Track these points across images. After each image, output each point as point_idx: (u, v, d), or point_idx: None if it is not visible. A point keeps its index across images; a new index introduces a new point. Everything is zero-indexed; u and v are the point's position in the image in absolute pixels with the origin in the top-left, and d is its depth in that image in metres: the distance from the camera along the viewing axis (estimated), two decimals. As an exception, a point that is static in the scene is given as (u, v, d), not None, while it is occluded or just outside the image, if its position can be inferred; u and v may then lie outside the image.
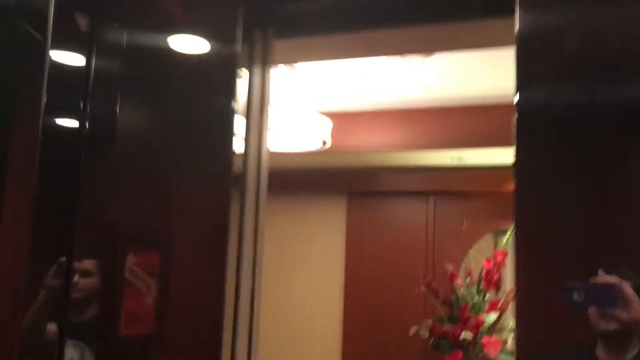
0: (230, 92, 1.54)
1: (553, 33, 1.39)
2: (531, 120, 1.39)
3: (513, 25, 1.39)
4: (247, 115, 1.66)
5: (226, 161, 1.56)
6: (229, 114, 1.54)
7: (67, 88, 1.71)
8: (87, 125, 1.70)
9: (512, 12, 1.39)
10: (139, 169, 1.72)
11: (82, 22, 1.70)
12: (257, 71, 1.63)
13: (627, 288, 1.18)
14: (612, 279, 1.19)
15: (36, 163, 1.61)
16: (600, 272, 1.22)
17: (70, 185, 1.70)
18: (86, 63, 1.67)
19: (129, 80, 1.72)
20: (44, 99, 1.63)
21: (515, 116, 1.40)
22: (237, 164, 1.65)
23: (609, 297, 1.19)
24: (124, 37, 1.71)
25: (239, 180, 1.67)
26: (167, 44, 1.68)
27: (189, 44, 1.61)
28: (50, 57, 1.60)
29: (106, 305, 1.67)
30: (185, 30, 1.60)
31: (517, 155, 1.39)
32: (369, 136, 3.70)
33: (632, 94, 1.34)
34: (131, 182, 1.71)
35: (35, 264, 1.65)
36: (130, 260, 1.65)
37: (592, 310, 1.23)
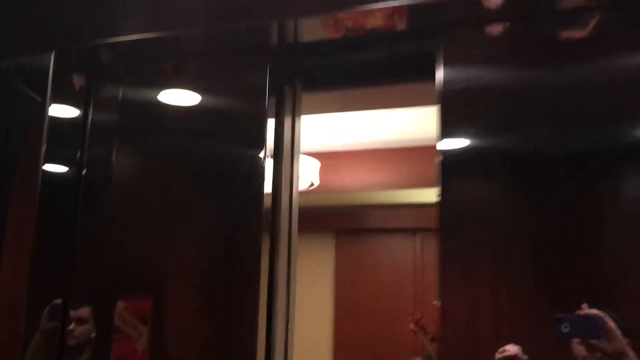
0: (259, 142, 1.60)
1: (473, 90, 1.49)
2: (453, 163, 1.49)
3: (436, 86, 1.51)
4: (277, 162, 1.71)
5: (257, 207, 1.59)
6: (258, 163, 1.59)
7: (65, 138, 1.77)
8: (84, 172, 1.76)
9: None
10: (134, 215, 1.75)
11: (79, 80, 1.79)
12: (287, 121, 1.70)
13: (610, 321, 1.23)
14: (595, 312, 1.25)
15: (36, 208, 1.66)
16: (584, 306, 1.27)
17: (67, 230, 1.74)
18: (83, 116, 1.75)
19: (125, 131, 1.79)
20: (44, 149, 1.69)
21: (439, 159, 1.49)
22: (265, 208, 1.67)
23: (593, 328, 1.25)
24: (119, 93, 1.79)
25: (271, 223, 1.69)
26: (160, 98, 1.75)
27: (217, 99, 1.69)
28: (49, 112, 1.67)
29: (96, 352, 1.68)
30: (214, 85, 1.69)
31: (441, 195, 1.47)
32: (355, 175, 3.77)
33: (550, 141, 1.44)
34: (126, 229, 1.75)
35: (33, 307, 1.69)
36: (120, 306, 1.68)
37: (576, 341, 1.28)
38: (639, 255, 1.30)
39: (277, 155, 1.69)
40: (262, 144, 1.59)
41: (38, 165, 1.70)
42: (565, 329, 1.26)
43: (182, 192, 1.73)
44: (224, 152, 1.69)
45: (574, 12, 1.43)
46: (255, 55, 1.64)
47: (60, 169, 1.77)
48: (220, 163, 1.68)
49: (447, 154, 1.49)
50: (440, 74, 1.50)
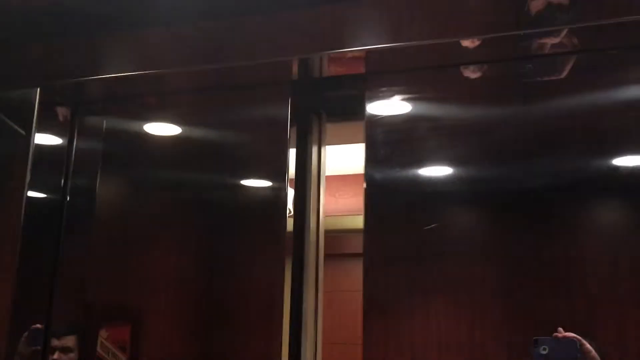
0: (281, 172, 1.64)
1: (395, 126, 1.56)
2: (378, 192, 1.54)
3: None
4: (304, 189, 1.73)
5: (280, 234, 1.60)
6: (280, 192, 1.62)
7: (49, 167, 1.79)
8: (67, 200, 1.78)
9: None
10: (117, 242, 1.76)
11: (63, 112, 1.83)
12: (314, 151, 1.73)
13: (586, 343, 1.27)
14: (572, 335, 1.29)
15: (20, 234, 1.67)
16: (561, 330, 1.31)
17: (50, 256, 1.75)
18: (67, 146, 1.79)
19: (109, 160, 1.81)
20: (28, 177, 1.71)
21: (364, 186, 1.54)
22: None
23: (571, 351, 1.28)
24: (103, 124, 1.83)
25: (295, 250, 1.70)
26: (144, 129, 1.80)
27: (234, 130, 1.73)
28: (33, 141, 1.70)
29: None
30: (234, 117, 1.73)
31: (366, 221, 1.52)
32: (335, 200, 3.80)
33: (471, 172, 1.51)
34: (109, 256, 1.76)
35: (15, 333, 1.68)
36: (103, 335, 1.68)
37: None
38: (611, 280, 1.35)
39: (302, 183, 1.70)
40: (283, 173, 1.61)
41: (22, 193, 1.71)
42: (543, 351, 1.30)
43: (174, 222, 1.75)
44: (239, 183, 1.72)
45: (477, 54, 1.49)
46: (276, 89, 1.68)
47: (44, 196, 1.78)
48: (237, 193, 1.71)
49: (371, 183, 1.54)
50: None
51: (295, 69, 1.63)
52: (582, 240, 1.39)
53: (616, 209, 1.41)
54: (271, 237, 1.60)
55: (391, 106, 1.58)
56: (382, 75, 1.60)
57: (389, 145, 1.56)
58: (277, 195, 1.61)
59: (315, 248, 1.68)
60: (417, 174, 1.54)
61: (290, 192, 1.66)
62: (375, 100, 1.58)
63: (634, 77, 1.42)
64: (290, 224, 1.64)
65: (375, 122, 1.57)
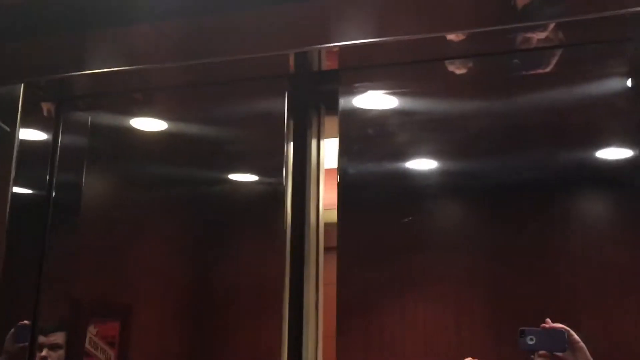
0: (278, 166, 1.63)
1: (370, 121, 1.58)
2: (351, 186, 1.56)
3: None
4: (301, 183, 1.72)
5: (278, 229, 1.59)
6: (278, 187, 1.61)
7: (34, 162, 1.77)
8: (53, 195, 1.77)
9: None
10: (104, 237, 1.75)
11: (48, 107, 1.82)
12: (313, 144, 1.72)
13: (574, 334, 1.29)
14: (560, 325, 1.30)
15: (5, 230, 1.65)
16: (548, 320, 1.33)
17: (36, 251, 1.74)
18: (52, 141, 1.78)
19: (95, 156, 1.80)
20: (13, 172, 1.69)
21: (337, 180, 1.56)
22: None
23: (559, 341, 1.30)
24: (89, 120, 1.81)
25: (291, 243, 1.68)
26: (131, 124, 1.79)
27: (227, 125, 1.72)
28: (18, 136, 1.68)
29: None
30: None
31: (339, 216, 1.54)
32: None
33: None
34: (97, 252, 1.74)
35: (1, 331, 1.67)
36: (92, 331, 1.67)
37: (542, 354, 1.33)
38: (595, 272, 1.36)
39: (302, 177, 1.70)
40: (281, 167, 1.61)
41: (7, 189, 1.69)
42: (530, 341, 1.31)
43: (163, 217, 1.74)
44: (237, 177, 1.71)
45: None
46: (273, 83, 1.67)
47: (29, 192, 1.76)
48: (233, 188, 1.69)
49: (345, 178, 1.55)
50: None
51: (291, 63, 1.63)
52: (565, 231, 1.40)
53: (601, 201, 1.43)
54: (270, 232, 1.59)
55: (366, 101, 1.58)
56: (357, 71, 1.61)
57: (363, 139, 1.57)
58: (275, 190, 1.61)
59: (315, 241, 1.68)
60: (393, 168, 1.55)
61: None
62: (349, 95, 1.58)
63: (617, 71, 1.43)
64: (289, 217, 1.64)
65: (349, 117, 1.58)
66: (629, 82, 1.42)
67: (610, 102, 1.43)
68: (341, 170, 1.56)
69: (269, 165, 1.63)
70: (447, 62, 1.53)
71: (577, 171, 1.42)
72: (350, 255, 1.51)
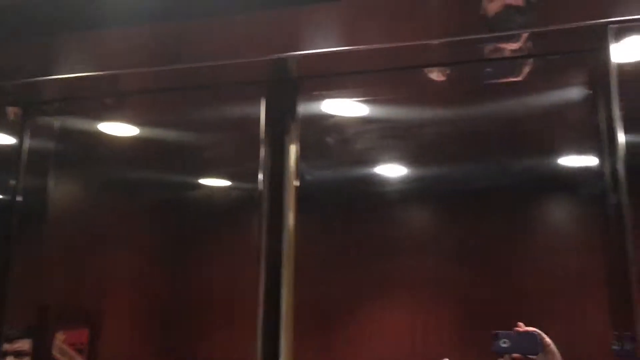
0: (254, 168, 1.63)
1: (329, 127, 1.61)
2: (310, 192, 1.58)
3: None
4: (280, 188, 1.73)
5: (254, 234, 1.60)
6: (256, 191, 1.61)
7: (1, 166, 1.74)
8: (18, 200, 1.74)
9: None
10: (72, 242, 1.73)
11: (14, 112, 1.79)
12: (291, 149, 1.72)
13: (546, 337, 1.31)
14: (532, 329, 1.33)
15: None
16: (521, 324, 1.35)
17: (1, 257, 1.71)
18: (18, 145, 1.76)
19: (62, 160, 1.77)
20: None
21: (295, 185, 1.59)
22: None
23: (531, 344, 1.32)
24: (56, 124, 1.80)
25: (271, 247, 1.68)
26: (99, 129, 1.76)
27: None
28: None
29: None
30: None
31: (296, 222, 1.57)
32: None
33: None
34: (64, 257, 1.72)
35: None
36: (60, 337, 1.65)
37: (516, 357, 1.35)
38: (562, 278, 1.39)
39: (279, 182, 1.70)
40: (256, 173, 1.61)
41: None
42: (504, 344, 1.33)
43: (134, 223, 1.72)
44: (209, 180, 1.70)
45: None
46: (249, 89, 1.67)
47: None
48: (205, 193, 1.69)
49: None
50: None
51: (268, 69, 1.63)
52: (527, 235, 1.43)
53: (565, 206, 1.46)
54: (245, 237, 1.59)
55: (326, 107, 1.60)
56: (319, 79, 1.63)
57: (321, 146, 1.59)
58: (251, 195, 1.61)
59: (292, 246, 1.68)
60: (352, 174, 1.56)
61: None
62: (307, 102, 1.60)
63: (578, 81, 1.46)
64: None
65: (308, 124, 1.60)
66: (587, 92, 1.45)
67: (569, 110, 1.46)
68: (300, 175, 1.57)
69: (245, 171, 1.63)
70: (415, 70, 1.55)
71: (540, 177, 1.45)
72: (308, 261, 1.52)
